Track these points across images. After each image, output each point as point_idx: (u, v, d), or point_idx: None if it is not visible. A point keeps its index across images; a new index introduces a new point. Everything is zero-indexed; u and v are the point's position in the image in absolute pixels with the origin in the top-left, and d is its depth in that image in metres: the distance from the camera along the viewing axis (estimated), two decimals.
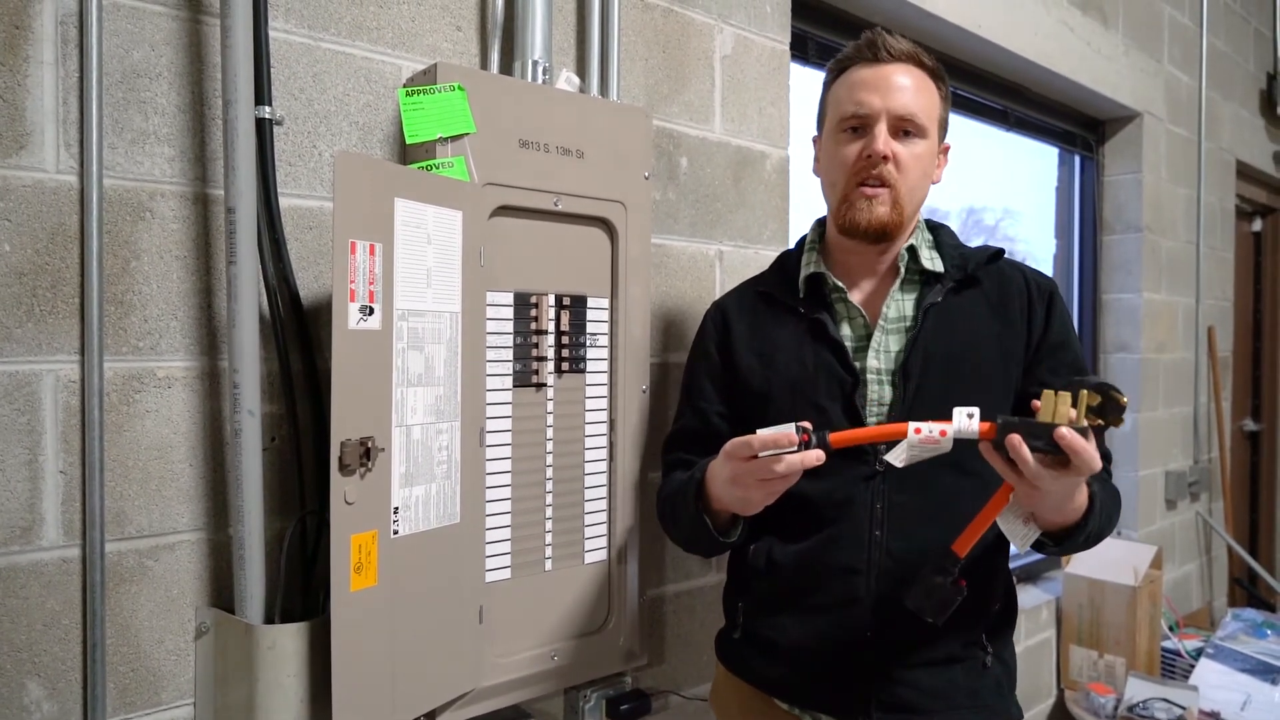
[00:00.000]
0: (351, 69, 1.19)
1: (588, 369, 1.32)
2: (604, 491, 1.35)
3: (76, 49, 1.00)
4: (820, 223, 1.25)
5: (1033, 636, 2.59)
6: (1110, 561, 2.53)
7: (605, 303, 1.34)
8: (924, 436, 0.93)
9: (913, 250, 1.15)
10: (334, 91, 1.18)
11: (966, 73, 2.48)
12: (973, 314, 1.13)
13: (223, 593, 1.11)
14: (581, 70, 1.44)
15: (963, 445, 0.95)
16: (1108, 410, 0.90)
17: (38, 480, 0.99)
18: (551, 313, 1.27)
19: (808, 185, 1.76)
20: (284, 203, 1.13)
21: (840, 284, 1.17)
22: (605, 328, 1.34)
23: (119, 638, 1.04)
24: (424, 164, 1.14)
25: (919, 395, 1.09)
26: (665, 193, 1.57)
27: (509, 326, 1.23)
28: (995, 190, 2.82)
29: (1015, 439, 0.88)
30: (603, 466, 1.35)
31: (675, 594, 1.59)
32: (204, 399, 1.09)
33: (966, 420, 0.92)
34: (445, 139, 1.14)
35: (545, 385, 1.27)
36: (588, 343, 1.32)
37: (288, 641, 1.04)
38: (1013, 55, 2.40)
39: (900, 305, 1.15)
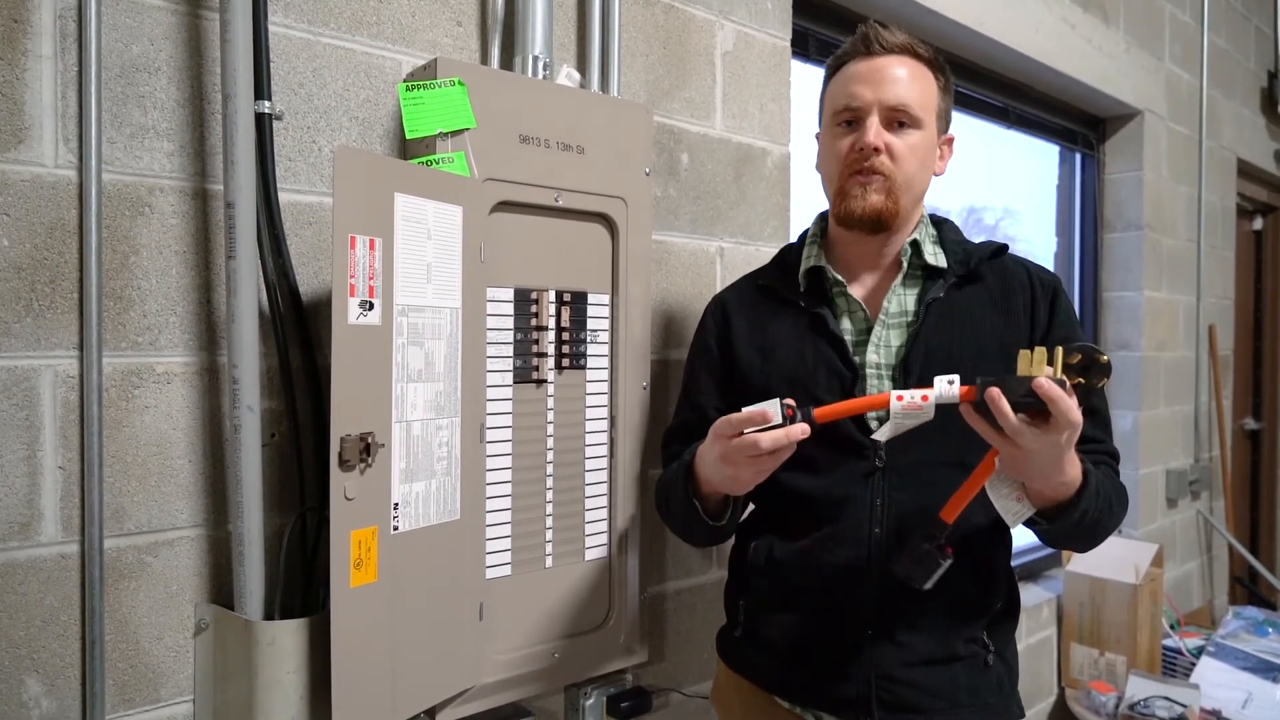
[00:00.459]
0: (351, 64, 1.19)
1: (588, 365, 1.31)
2: (604, 488, 1.35)
3: (75, 43, 0.99)
4: (823, 216, 1.24)
5: (1034, 634, 2.59)
6: (1111, 560, 2.53)
7: (606, 299, 1.33)
8: (906, 403, 0.93)
9: (916, 245, 1.15)
10: (334, 86, 1.18)
11: (967, 70, 2.48)
12: (975, 309, 1.13)
13: (222, 589, 1.10)
14: (582, 66, 1.43)
15: (965, 442, 0.95)
16: (1091, 370, 0.90)
17: (36, 476, 0.99)
18: (552, 309, 1.26)
19: (809, 182, 1.76)
20: (284, 198, 1.12)
21: (840, 278, 1.16)
22: (606, 324, 1.33)
23: (118, 634, 1.03)
24: (424, 159, 1.14)
25: None
26: (666, 189, 1.56)
27: (509, 322, 1.22)
28: (996, 188, 2.82)
29: (994, 392, 0.89)
30: (603, 463, 1.34)
31: (676, 591, 1.59)
32: (203, 394, 1.09)
33: (946, 386, 0.93)
34: (445, 134, 1.14)
35: (546, 381, 1.27)
36: (588, 339, 1.31)
37: (287, 638, 1.03)
38: (1014, 52, 2.40)
39: (902, 300, 1.14)
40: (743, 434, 0.96)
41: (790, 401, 0.95)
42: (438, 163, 1.13)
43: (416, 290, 1.07)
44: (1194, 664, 2.62)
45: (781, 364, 1.16)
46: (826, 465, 1.11)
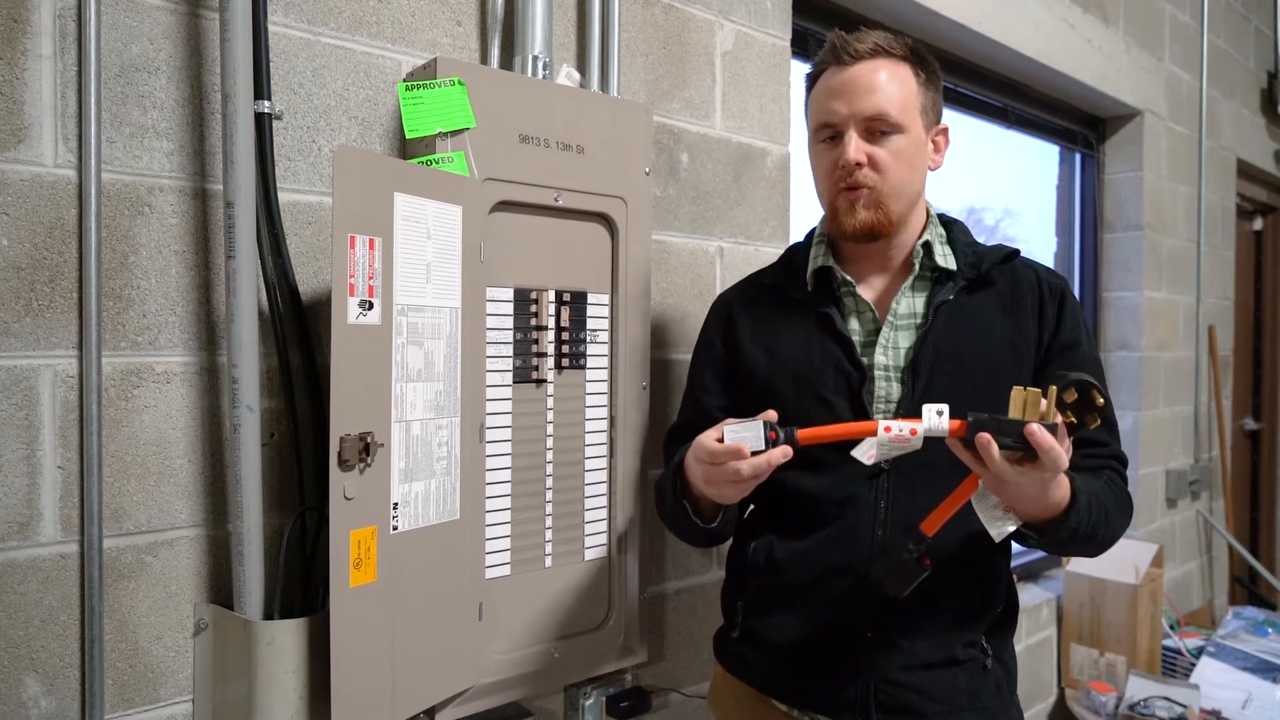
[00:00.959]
0: (351, 64, 1.19)
1: (588, 365, 1.31)
2: (604, 488, 1.35)
3: (75, 43, 0.99)
4: None
5: (1033, 635, 2.59)
6: (1111, 560, 2.52)
7: (605, 299, 1.33)
8: (894, 435, 0.93)
9: (928, 247, 1.13)
10: (333, 86, 1.18)
11: (967, 70, 2.48)
12: (985, 314, 1.12)
13: (221, 589, 1.10)
14: (582, 66, 1.43)
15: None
16: (1082, 409, 0.89)
17: (36, 476, 0.98)
18: (551, 309, 1.26)
19: (808, 182, 1.76)
20: (283, 198, 1.12)
21: (849, 278, 1.15)
22: (605, 324, 1.33)
23: (117, 634, 1.03)
24: (424, 159, 1.14)
25: (928, 393, 1.07)
26: (666, 189, 1.56)
27: (509, 322, 1.22)
28: (996, 188, 2.82)
29: (984, 438, 0.88)
30: (603, 463, 1.34)
31: (675, 591, 1.59)
32: (203, 394, 1.09)
33: (936, 418, 0.92)
34: (445, 134, 1.14)
35: (545, 381, 1.27)
36: (588, 339, 1.31)
37: (287, 638, 1.03)
38: (1013, 53, 2.40)
39: (911, 302, 1.13)
40: (724, 464, 0.96)
41: (773, 420, 0.95)
42: (437, 162, 1.13)
43: (416, 290, 1.07)
44: (1194, 664, 2.62)
45: (787, 363, 1.15)
46: (831, 465, 1.10)
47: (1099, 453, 1.09)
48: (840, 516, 1.11)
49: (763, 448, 0.94)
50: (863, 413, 1.10)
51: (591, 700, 1.34)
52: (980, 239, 1.20)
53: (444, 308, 1.11)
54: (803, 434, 0.96)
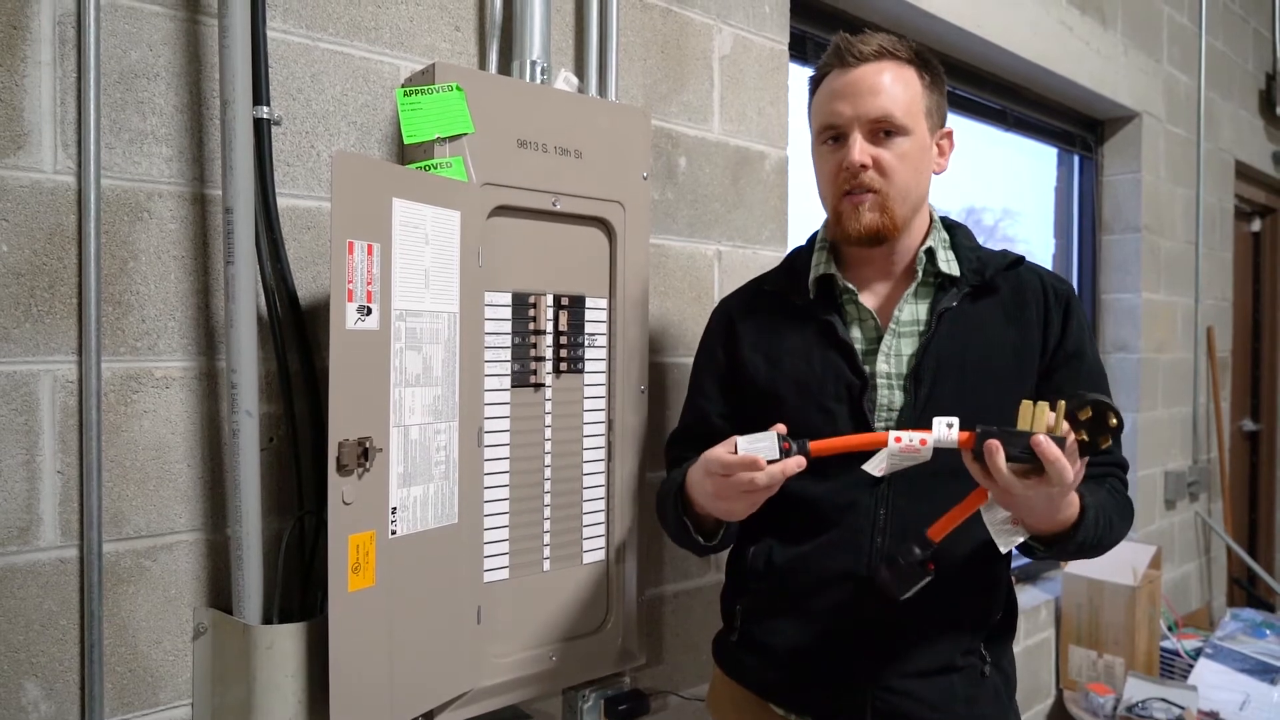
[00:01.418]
0: (349, 69, 1.19)
1: (586, 369, 1.32)
2: (602, 492, 1.35)
3: (74, 49, 1.00)
4: None
5: (1031, 636, 2.59)
6: (1109, 561, 2.53)
7: (603, 303, 1.34)
8: (904, 445, 0.93)
9: (930, 253, 1.13)
10: (332, 91, 1.18)
11: (965, 72, 2.48)
12: (989, 321, 1.11)
13: (220, 593, 1.10)
14: (580, 70, 1.44)
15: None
16: (1096, 428, 0.89)
17: (35, 481, 0.99)
18: (550, 313, 1.27)
19: (807, 185, 1.76)
20: (282, 203, 1.13)
21: (851, 285, 1.15)
22: (603, 328, 1.34)
23: (116, 638, 1.04)
24: (422, 164, 1.14)
25: (930, 401, 1.07)
26: (664, 193, 1.57)
27: (507, 327, 1.22)
28: (994, 190, 2.82)
29: (992, 445, 0.89)
30: (601, 467, 1.35)
31: (674, 594, 1.59)
32: (202, 399, 1.09)
33: (946, 430, 0.92)
34: (443, 139, 1.14)
35: (543, 385, 1.27)
36: (586, 343, 1.32)
37: (285, 642, 1.04)
38: (1012, 55, 2.40)
39: (914, 309, 1.13)
40: (736, 476, 0.96)
41: (783, 432, 0.96)
42: (436, 167, 1.13)
43: (414, 295, 1.07)
44: (1192, 666, 2.62)
45: (789, 371, 1.14)
46: (832, 471, 1.09)
47: (1102, 460, 1.09)
48: (840, 522, 1.10)
49: (777, 457, 0.95)
50: (864, 421, 1.09)
51: (590, 703, 1.34)
52: (979, 239, 1.20)
53: (442, 312, 1.11)
54: (815, 446, 0.96)
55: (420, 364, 1.08)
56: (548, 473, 1.28)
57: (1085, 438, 0.89)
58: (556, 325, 1.28)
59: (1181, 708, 2.33)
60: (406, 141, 1.15)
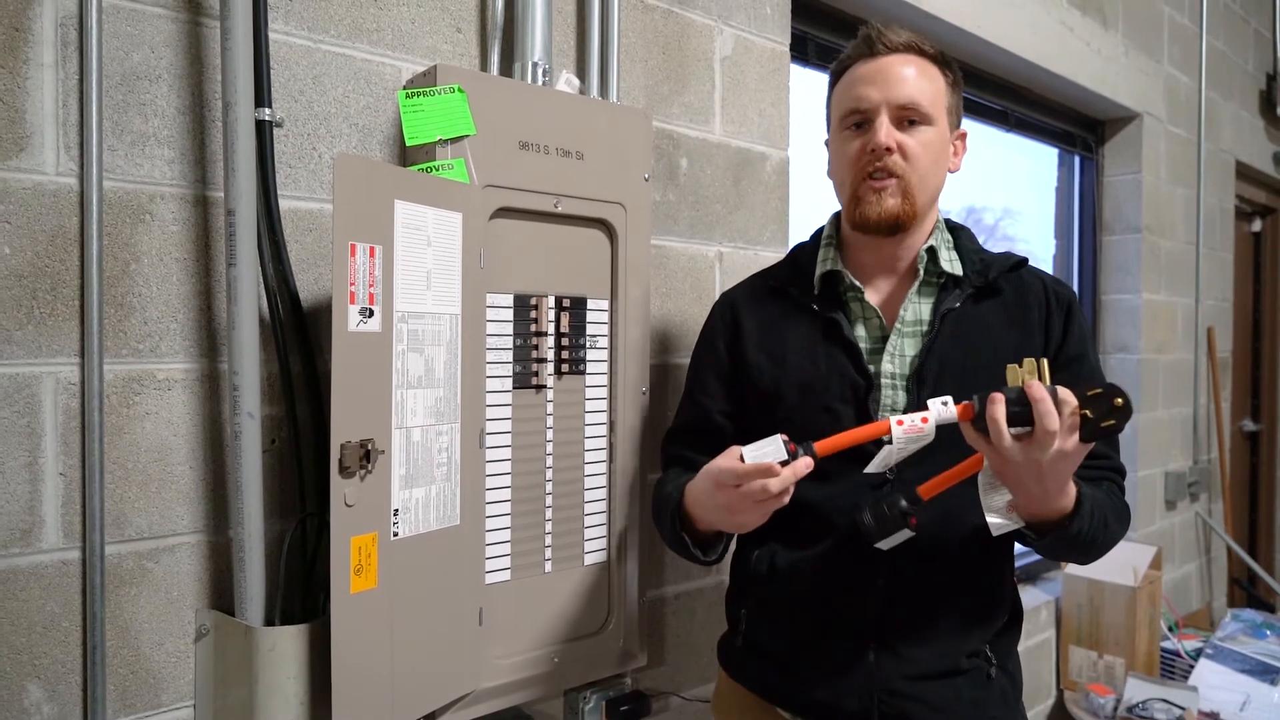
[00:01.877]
0: (351, 71, 1.20)
1: (587, 370, 1.32)
2: (604, 493, 1.35)
3: (76, 51, 1.00)
4: (837, 217, 1.22)
5: (1032, 637, 2.59)
6: (1110, 562, 2.51)
7: (605, 304, 1.34)
8: (907, 426, 0.93)
9: (932, 251, 1.13)
10: (334, 93, 1.18)
11: (966, 73, 2.46)
12: (991, 323, 1.11)
13: (223, 595, 1.11)
14: (581, 72, 1.44)
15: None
16: (1100, 408, 0.89)
17: (38, 483, 0.99)
18: (551, 314, 1.27)
19: (808, 187, 1.76)
20: (284, 205, 1.13)
21: (857, 283, 1.14)
22: (605, 329, 1.34)
23: (119, 640, 1.04)
24: (424, 166, 1.14)
25: None
26: (665, 194, 1.57)
27: (509, 328, 1.23)
28: (995, 190, 2.82)
29: (996, 396, 0.90)
30: (602, 468, 1.35)
31: (675, 595, 1.60)
32: (204, 401, 1.09)
33: (943, 408, 0.93)
34: (445, 141, 1.14)
35: (545, 387, 1.27)
36: (587, 344, 1.32)
37: (288, 644, 1.04)
38: (1012, 56, 2.40)
39: (917, 309, 1.13)
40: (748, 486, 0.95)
41: (785, 438, 0.95)
42: (437, 169, 1.13)
43: (416, 297, 1.07)
44: (1192, 666, 2.62)
45: (793, 370, 1.14)
46: (836, 475, 1.09)
47: (1100, 464, 1.09)
48: (843, 526, 1.10)
49: (785, 458, 0.94)
50: (869, 420, 1.08)
51: (591, 704, 1.34)
52: (979, 239, 1.20)
53: (444, 314, 1.11)
54: (820, 445, 0.96)
55: (422, 366, 1.08)
56: (549, 474, 1.28)
57: (1089, 414, 0.89)
58: (558, 327, 1.28)
59: (1182, 708, 2.33)
60: (408, 143, 1.15)
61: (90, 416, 1.00)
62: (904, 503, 0.98)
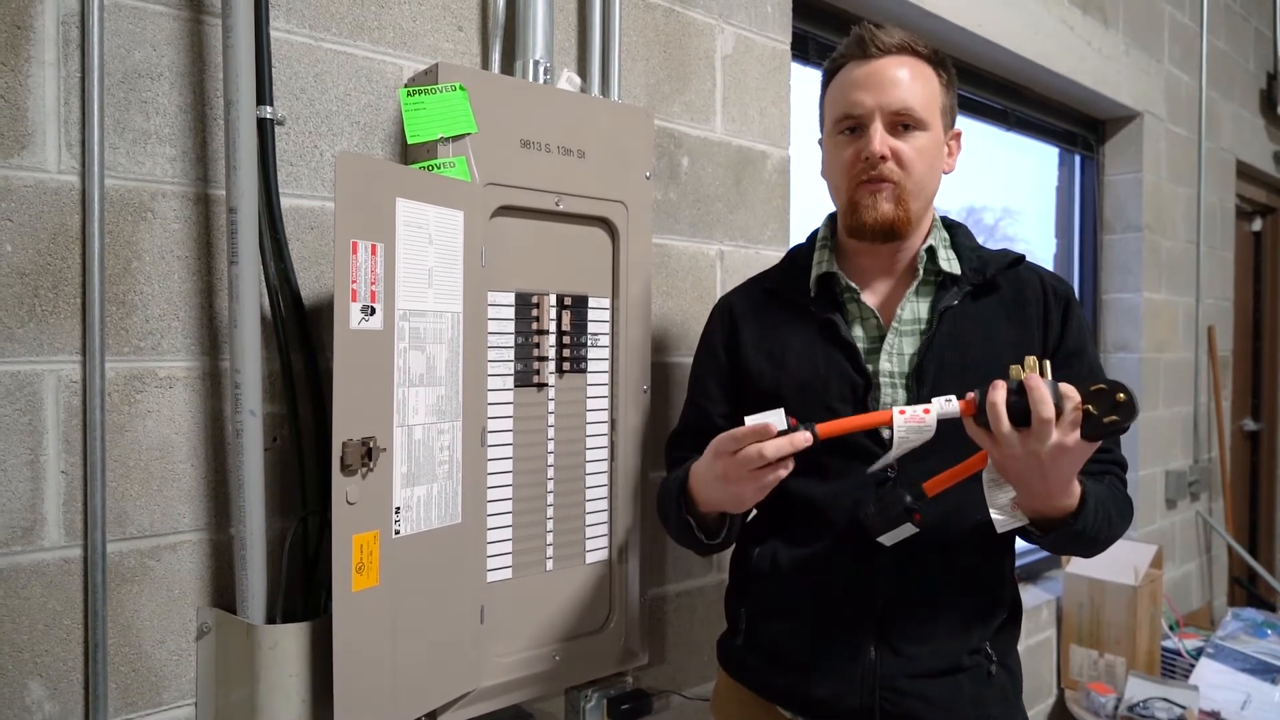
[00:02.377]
0: (353, 69, 1.19)
1: (589, 369, 1.32)
2: (605, 491, 1.35)
3: (78, 49, 1.00)
4: (832, 218, 1.22)
5: (1033, 636, 2.59)
6: (1110, 561, 2.53)
7: (606, 303, 1.34)
8: (909, 416, 0.93)
9: (931, 251, 1.13)
10: (335, 91, 1.18)
11: (967, 72, 2.48)
12: (990, 320, 1.11)
13: (224, 593, 1.11)
14: (583, 70, 1.44)
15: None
16: (1103, 404, 0.89)
17: (39, 480, 0.99)
18: (553, 313, 1.27)
19: (809, 185, 1.76)
20: (285, 203, 1.13)
21: (853, 284, 1.14)
22: (606, 328, 1.34)
23: (120, 638, 1.04)
24: (425, 164, 1.14)
25: (933, 399, 1.07)
26: (666, 193, 1.57)
27: (510, 326, 1.23)
28: (995, 190, 2.82)
29: (998, 383, 0.90)
30: (604, 466, 1.35)
31: (676, 594, 1.60)
32: (205, 399, 1.09)
33: (945, 404, 0.93)
34: (447, 139, 1.14)
35: (546, 385, 1.27)
36: (589, 343, 1.32)
37: (289, 642, 1.04)
38: (1013, 55, 2.40)
39: (915, 307, 1.13)
40: (744, 449, 0.95)
41: (791, 419, 0.95)
42: (439, 167, 1.13)
43: (418, 295, 1.07)
44: (1193, 665, 2.62)
45: (792, 371, 1.14)
46: (837, 472, 1.10)
47: (1101, 458, 1.09)
48: (844, 524, 1.10)
49: (785, 428, 0.94)
50: None
51: (593, 703, 1.34)
52: (979, 239, 1.20)
53: (446, 312, 1.11)
54: (822, 427, 0.96)
55: (424, 364, 1.08)
56: (551, 472, 1.28)
57: (1092, 409, 0.89)
58: (559, 325, 1.28)
59: (1183, 707, 2.34)
60: (410, 141, 1.15)
61: (92, 414, 1.00)
62: (908, 498, 0.98)
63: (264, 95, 1.07)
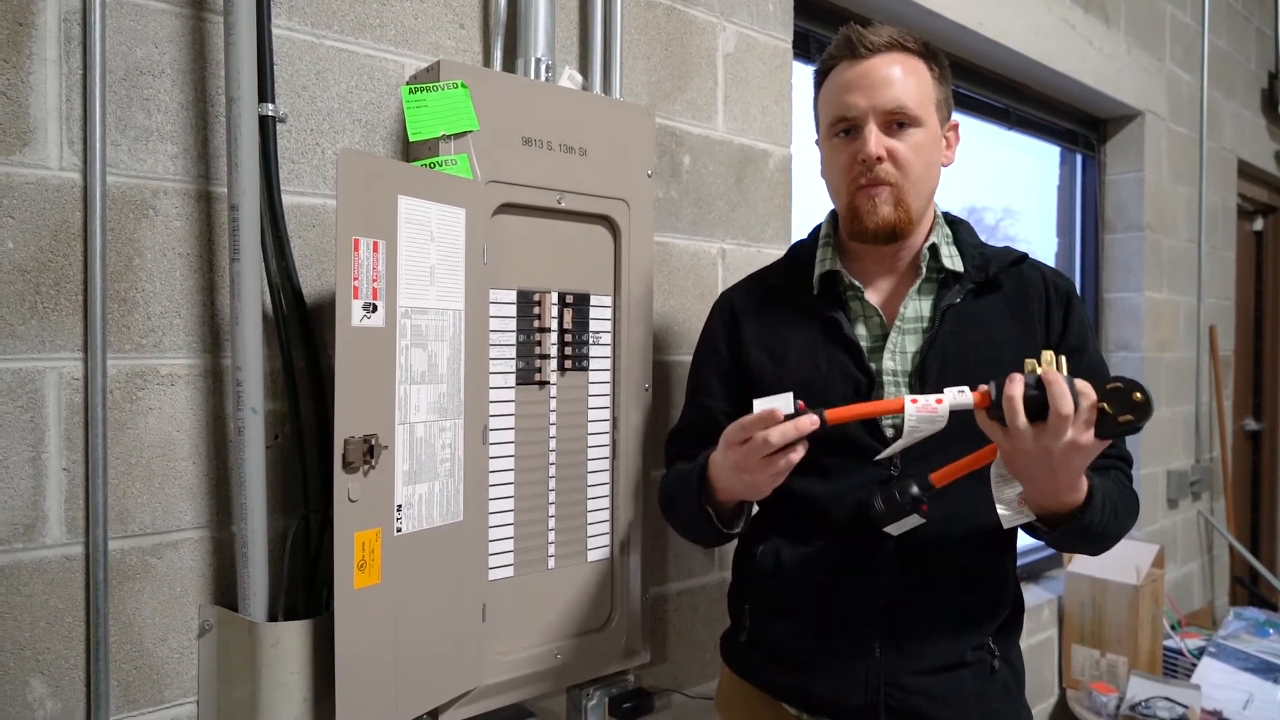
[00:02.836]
0: (355, 66, 1.19)
1: (590, 367, 1.32)
2: (606, 489, 1.35)
3: (80, 46, 1.00)
4: (835, 215, 1.21)
5: (1035, 635, 2.59)
6: (1112, 560, 2.53)
7: (608, 300, 1.34)
8: (921, 405, 0.92)
9: (934, 249, 1.13)
10: (337, 89, 1.18)
11: (968, 71, 2.48)
12: (993, 317, 1.11)
13: (226, 590, 1.11)
14: (584, 68, 1.44)
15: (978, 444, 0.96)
16: (1118, 402, 0.88)
17: (41, 478, 0.99)
18: (554, 310, 1.27)
19: (810, 184, 1.76)
20: (287, 200, 1.13)
21: (856, 282, 1.14)
22: (608, 325, 1.34)
23: (122, 635, 1.04)
24: (427, 161, 1.14)
25: None
26: (668, 191, 1.57)
27: (512, 324, 1.22)
28: (997, 189, 2.82)
29: (1015, 376, 0.89)
30: (605, 464, 1.35)
31: (678, 592, 1.59)
32: (207, 396, 1.09)
33: (958, 395, 0.93)
34: (448, 136, 1.14)
35: (548, 383, 1.27)
36: (590, 340, 1.32)
37: (291, 639, 1.04)
38: (1014, 54, 2.40)
39: (918, 305, 1.12)
40: (753, 438, 0.95)
41: (801, 402, 0.95)
42: (441, 165, 1.13)
43: (420, 292, 1.07)
44: (1195, 665, 2.62)
45: (794, 369, 1.14)
46: (839, 470, 1.09)
47: (1108, 453, 1.09)
48: (847, 522, 1.10)
49: (791, 412, 0.93)
50: (871, 419, 1.08)
51: (594, 701, 1.34)
52: (981, 238, 1.20)
53: (447, 310, 1.11)
54: (831, 413, 0.95)
55: (425, 361, 1.08)
56: (552, 470, 1.28)
57: (1107, 408, 0.88)
58: (561, 323, 1.28)
59: (1185, 706, 2.33)
60: (412, 139, 1.15)
61: (93, 411, 1.00)
62: (915, 489, 0.97)
63: (266, 92, 1.07)
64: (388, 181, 1.03)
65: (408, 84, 1.20)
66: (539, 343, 1.25)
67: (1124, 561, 2.54)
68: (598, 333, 1.32)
